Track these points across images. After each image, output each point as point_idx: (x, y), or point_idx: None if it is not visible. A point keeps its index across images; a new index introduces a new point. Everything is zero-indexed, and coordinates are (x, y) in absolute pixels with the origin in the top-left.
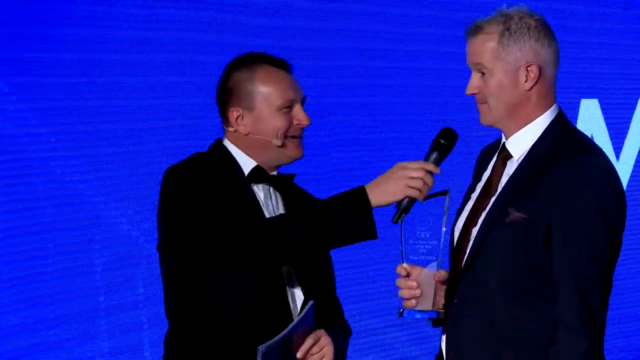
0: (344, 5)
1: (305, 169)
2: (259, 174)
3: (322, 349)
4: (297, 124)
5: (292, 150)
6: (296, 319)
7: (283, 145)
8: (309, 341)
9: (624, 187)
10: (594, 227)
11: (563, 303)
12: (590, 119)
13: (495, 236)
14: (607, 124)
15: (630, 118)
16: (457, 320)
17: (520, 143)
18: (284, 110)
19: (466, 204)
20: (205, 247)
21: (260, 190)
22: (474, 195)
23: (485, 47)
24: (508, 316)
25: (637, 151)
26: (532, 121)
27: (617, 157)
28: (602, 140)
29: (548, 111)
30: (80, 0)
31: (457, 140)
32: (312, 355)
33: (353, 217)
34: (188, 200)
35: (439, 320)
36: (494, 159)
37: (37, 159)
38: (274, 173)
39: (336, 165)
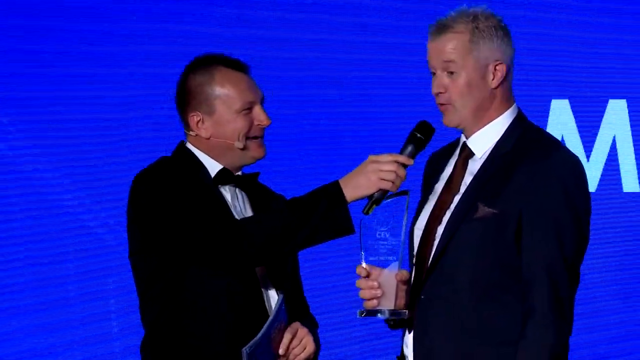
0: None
1: (269, 166)
2: (224, 176)
3: (302, 340)
4: (258, 125)
5: (254, 151)
6: (271, 315)
7: (245, 147)
8: (287, 335)
9: (594, 188)
10: (563, 222)
11: (532, 297)
12: (560, 119)
13: (464, 232)
14: (577, 125)
15: (601, 118)
16: (425, 318)
17: (482, 141)
18: (244, 112)
19: (424, 204)
20: (184, 251)
21: (227, 192)
22: (433, 197)
23: (455, 45)
24: (477, 313)
25: (607, 152)
26: (493, 120)
27: (588, 157)
28: (573, 140)
29: (509, 110)
30: (58, 14)
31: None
32: (294, 348)
33: (329, 212)
34: (162, 205)
35: (399, 322)
36: (455, 158)
37: (13, 169)
38: (239, 173)
39: (302, 161)
